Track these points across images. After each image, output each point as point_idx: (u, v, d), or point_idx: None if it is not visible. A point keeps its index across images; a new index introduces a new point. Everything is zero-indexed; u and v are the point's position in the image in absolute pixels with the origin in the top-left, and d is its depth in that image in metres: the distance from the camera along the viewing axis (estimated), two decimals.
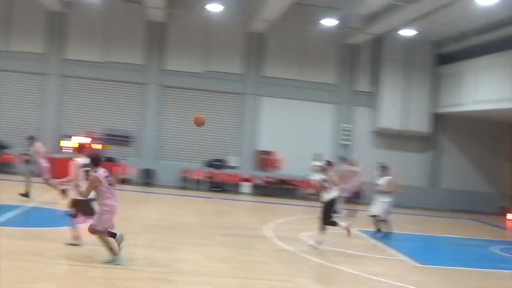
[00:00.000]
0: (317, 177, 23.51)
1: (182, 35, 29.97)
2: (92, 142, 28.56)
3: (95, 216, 11.33)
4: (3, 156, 28.75)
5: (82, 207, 12.07)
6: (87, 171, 12.02)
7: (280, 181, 29.83)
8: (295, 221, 20.98)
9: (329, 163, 15.67)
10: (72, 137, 28.27)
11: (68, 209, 12.29)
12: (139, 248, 12.89)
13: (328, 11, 27.99)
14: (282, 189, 29.58)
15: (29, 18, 29.52)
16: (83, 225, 12.06)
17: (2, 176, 26.07)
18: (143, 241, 13.73)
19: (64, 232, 12.65)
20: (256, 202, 27.20)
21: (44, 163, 19.68)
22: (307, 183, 28.17)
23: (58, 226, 14.29)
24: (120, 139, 29.61)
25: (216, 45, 30.13)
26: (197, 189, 28.76)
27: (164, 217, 18.82)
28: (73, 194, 12.29)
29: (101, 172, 11.25)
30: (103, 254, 11.18)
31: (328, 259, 13.49)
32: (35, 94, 29.71)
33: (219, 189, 28.82)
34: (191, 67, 30.00)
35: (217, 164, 29.78)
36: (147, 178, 29.26)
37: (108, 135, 29.37)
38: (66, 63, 29.72)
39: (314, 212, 22.70)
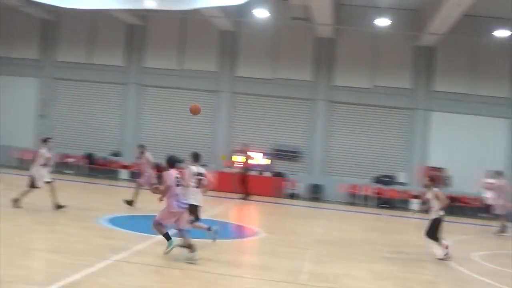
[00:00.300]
0: (489, 194, 22.63)
1: (350, 50, 29.96)
2: (263, 157, 29.33)
3: (161, 213, 11.96)
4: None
5: (193, 211, 13.14)
6: (200, 180, 13.40)
7: (451, 198, 28.83)
8: (467, 240, 20.22)
9: (431, 180, 15.22)
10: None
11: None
12: (307, 262, 13.01)
13: (501, 21, 26.95)
14: (452, 206, 28.59)
15: (204, 38, 30.80)
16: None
17: None
18: (311, 256, 13.85)
19: (226, 244, 13.03)
20: (425, 219, 26.47)
21: (151, 173, 20.11)
22: (479, 200, 27.05)
23: (226, 238, 14.76)
24: (289, 155, 30.05)
25: (384, 59, 29.80)
26: (365, 205, 28.54)
27: (331, 232, 18.86)
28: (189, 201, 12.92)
29: (172, 172, 12.08)
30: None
31: (504, 282, 12.87)
32: (208, 110, 30.83)
33: (387, 206, 28.42)
34: (359, 82, 29.90)
35: (385, 180, 29.39)
36: (315, 193, 29.44)
37: (278, 150, 29.90)
38: (236, 80, 30.67)
39: (487, 231, 21.98)
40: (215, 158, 30.10)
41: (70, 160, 31.12)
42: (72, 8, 24.42)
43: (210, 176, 14.30)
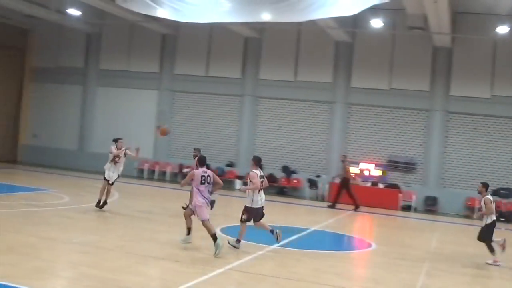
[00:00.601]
0: None
1: (467, 59, 29.06)
2: (376, 168, 29.11)
3: (197, 212, 13.32)
4: (292, 181, 30.26)
5: (252, 213, 13.87)
6: (261, 182, 13.95)
7: None
8: None
9: (484, 186, 15.57)
10: (359, 163, 29.00)
11: (242, 215, 13.91)
12: (420, 276, 12.84)
13: None
14: None
15: (318, 49, 30.82)
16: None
17: (291, 200, 27.48)
18: (424, 270, 13.64)
19: (339, 255, 13.01)
20: None
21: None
22: None
23: (338, 249, 14.74)
24: (404, 166, 29.60)
25: (504, 68, 28.70)
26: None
27: (446, 246, 18.47)
28: (247, 202, 13.99)
29: (199, 170, 13.41)
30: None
31: None
32: (323, 121, 30.87)
33: (504, 219, 27.36)
34: (478, 92, 28.96)
35: (504, 192, 28.38)
36: (431, 206, 28.85)
37: (392, 161, 29.54)
38: (351, 91, 30.50)
39: None
40: (329, 169, 30.10)
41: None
42: (191, 23, 25.10)
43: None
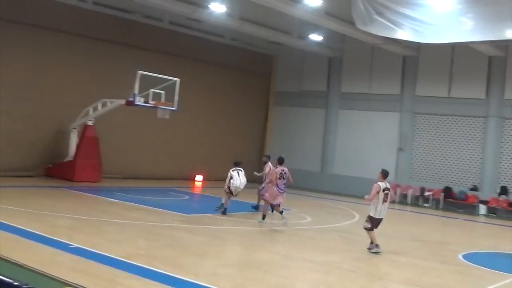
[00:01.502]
0: None
1: None
2: None
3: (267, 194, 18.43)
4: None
5: (375, 223, 14.83)
6: (386, 194, 14.80)
7: None
8: None
9: None
10: None
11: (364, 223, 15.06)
12: None
13: None
14: None
15: (471, 65, 29.22)
16: None
17: (504, 222, 25.86)
18: None
19: None
20: None
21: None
22: None
23: None
24: None
25: None
26: None
27: None
28: (371, 211, 14.87)
29: (278, 168, 18.37)
30: None
31: None
32: None
33: None
34: None
35: None
36: None
37: None
38: None
39: None
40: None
41: (427, 193, 31.27)
42: (432, 43, 24.72)
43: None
